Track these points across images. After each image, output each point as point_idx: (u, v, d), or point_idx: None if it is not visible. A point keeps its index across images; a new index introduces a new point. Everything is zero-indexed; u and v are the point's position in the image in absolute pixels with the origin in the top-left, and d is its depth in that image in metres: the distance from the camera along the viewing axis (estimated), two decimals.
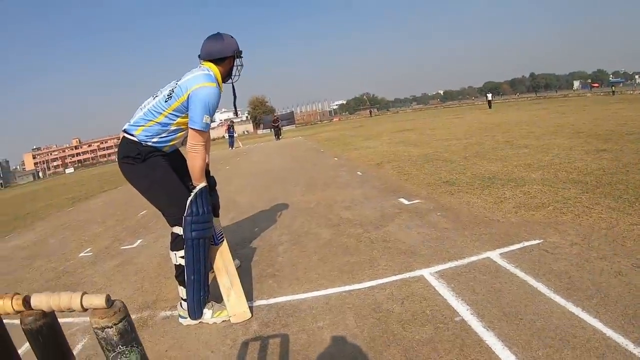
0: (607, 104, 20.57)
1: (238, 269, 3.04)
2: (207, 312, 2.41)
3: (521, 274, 2.26)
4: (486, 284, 2.21)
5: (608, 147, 6.03)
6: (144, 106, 2.55)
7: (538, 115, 16.30)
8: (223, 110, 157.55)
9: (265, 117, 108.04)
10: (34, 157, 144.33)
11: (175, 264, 2.46)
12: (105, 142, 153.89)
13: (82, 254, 4.56)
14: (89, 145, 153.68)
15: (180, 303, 2.45)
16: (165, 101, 2.45)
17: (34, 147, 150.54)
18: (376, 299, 2.27)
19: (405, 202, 4.23)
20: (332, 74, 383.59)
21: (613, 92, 39.88)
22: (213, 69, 2.55)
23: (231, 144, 25.93)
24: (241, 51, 2.69)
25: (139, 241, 4.66)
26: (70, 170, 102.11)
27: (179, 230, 2.42)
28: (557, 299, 1.97)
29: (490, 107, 34.62)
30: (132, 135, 2.51)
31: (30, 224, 8.29)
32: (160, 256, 3.83)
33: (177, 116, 2.46)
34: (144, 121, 2.49)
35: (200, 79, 2.42)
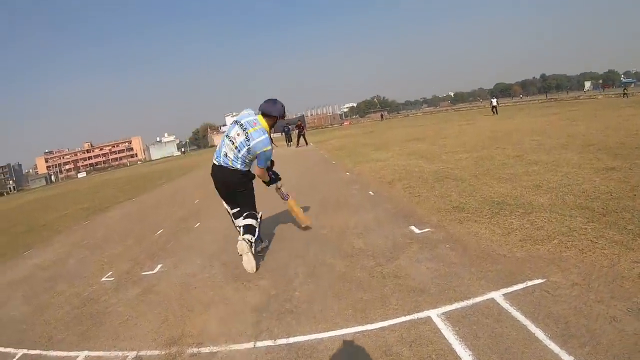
0: (618, 107, 20.58)
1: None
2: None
3: (521, 318, 2.38)
4: (488, 328, 2.35)
5: (617, 165, 6.10)
6: (235, 153, 4.21)
7: (549, 122, 16.37)
8: (234, 113, 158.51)
9: (278, 122, 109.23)
10: (46, 161, 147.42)
11: (245, 225, 4.22)
12: (117, 146, 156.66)
13: (104, 279, 4.77)
14: (101, 149, 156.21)
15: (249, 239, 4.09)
16: (248, 152, 4.17)
17: (46, 151, 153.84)
18: (387, 341, 2.42)
19: (416, 230, 4.34)
20: (342, 76, 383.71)
21: (625, 94, 39.44)
22: (262, 121, 4.27)
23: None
24: (285, 115, 4.52)
25: (158, 266, 4.84)
26: (82, 174, 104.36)
27: (253, 222, 4.23)
28: (552, 346, 2.09)
29: (496, 113, 32.87)
30: (244, 169, 4.30)
31: (47, 239, 8.59)
32: (181, 285, 4.02)
33: (252, 160, 4.29)
34: (245, 165, 4.28)
35: (265, 143, 4.15)
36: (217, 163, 4.34)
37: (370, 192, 6.91)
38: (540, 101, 59.57)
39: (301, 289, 3.42)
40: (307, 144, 25.98)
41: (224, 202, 4.56)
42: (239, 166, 4.22)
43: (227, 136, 4.30)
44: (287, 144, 29.00)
